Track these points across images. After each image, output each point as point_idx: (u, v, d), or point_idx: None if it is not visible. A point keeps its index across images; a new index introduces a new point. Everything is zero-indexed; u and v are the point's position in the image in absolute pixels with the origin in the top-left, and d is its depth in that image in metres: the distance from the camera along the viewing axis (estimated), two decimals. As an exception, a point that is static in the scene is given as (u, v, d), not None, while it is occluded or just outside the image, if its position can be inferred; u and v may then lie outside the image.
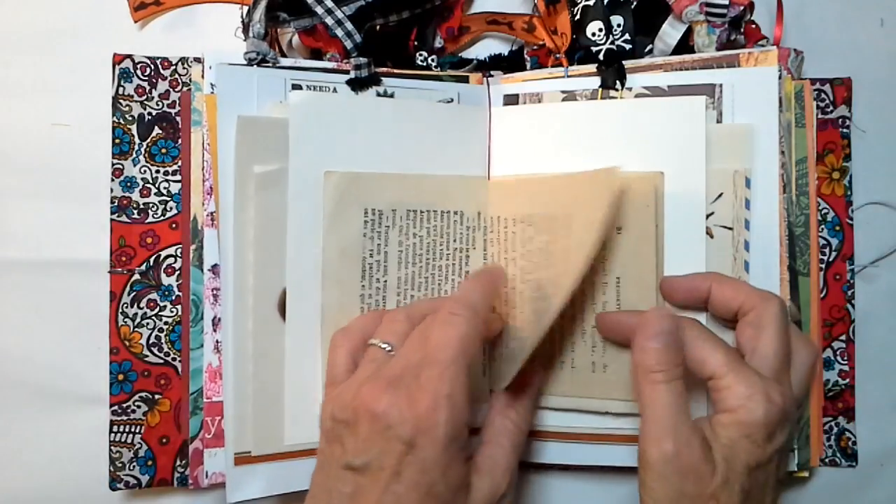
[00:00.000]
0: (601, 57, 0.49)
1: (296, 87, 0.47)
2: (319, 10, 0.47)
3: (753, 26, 0.49)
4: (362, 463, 0.36)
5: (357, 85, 0.48)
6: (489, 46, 0.54)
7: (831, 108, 0.52)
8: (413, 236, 0.48)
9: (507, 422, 0.43)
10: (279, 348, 0.46)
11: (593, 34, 0.49)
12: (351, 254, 0.47)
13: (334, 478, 0.37)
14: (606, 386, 0.47)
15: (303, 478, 0.44)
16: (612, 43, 0.48)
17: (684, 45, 0.49)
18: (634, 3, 0.49)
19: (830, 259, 0.51)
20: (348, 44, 0.47)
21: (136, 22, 0.52)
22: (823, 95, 0.52)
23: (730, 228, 0.46)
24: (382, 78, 0.48)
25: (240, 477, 0.45)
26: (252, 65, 0.46)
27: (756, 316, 0.41)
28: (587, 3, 0.48)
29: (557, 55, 0.50)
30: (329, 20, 0.47)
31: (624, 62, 0.48)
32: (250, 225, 0.45)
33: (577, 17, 0.49)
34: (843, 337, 0.51)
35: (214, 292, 0.46)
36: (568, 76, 0.49)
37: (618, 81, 0.48)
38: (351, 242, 0.47)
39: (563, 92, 0.49)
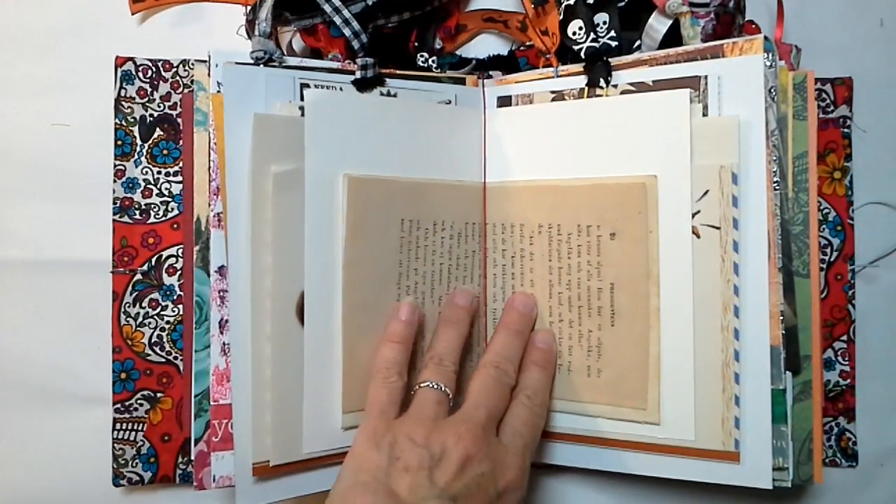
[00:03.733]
0: (583, 55, 0.48)
1: (304, 86, 0.46)
2: (327, 8, 0.47)
3: (753, 26, 0.49)
4: (453, 495, 0.39)
5: (363, 85, 0.48)
6: (490, 45, 0.54)
7: (832, 107, 0.52)
8: (426, 243, 0.48)
9: None
10: (298, 353, 0.44)
11: (574, 33, 0.48)
12: (372, 261, 0.46)
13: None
14: (600, 391, 0.47)
15: (315, 483, 0.45)
16: (596, 41, 0.48)
17: (678, 41, 0.47)
18: (623, 2, 0.49)
19: (831, 259, 0.51)
20: (355, 44, 0.47)
21: (133, 14, 0.52)
22: (824, 95, 0.52)
23: (717, 228, 0.44)
24: (385, 78, 0.48)
25: (255, 488, 0.44)
26: (259, 64, 0.45)
27: None
28: (568, 2, 0.48)
29: (547, 55, 0.50)
30: (337, 19, 0.47)
31: (610, 59, 0.47)
32: (268, 226, 0.44)
33: (562, 16, 0.49)
34: (843, 337, 0.51)
35: (221, 294, 0.45)
36: (558, 76, 0.49)
37: (603, 79, 0.47)
38: (372, 249, 0.46)
39: (553, 92, 0.49)
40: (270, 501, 0.44)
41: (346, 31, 0.47)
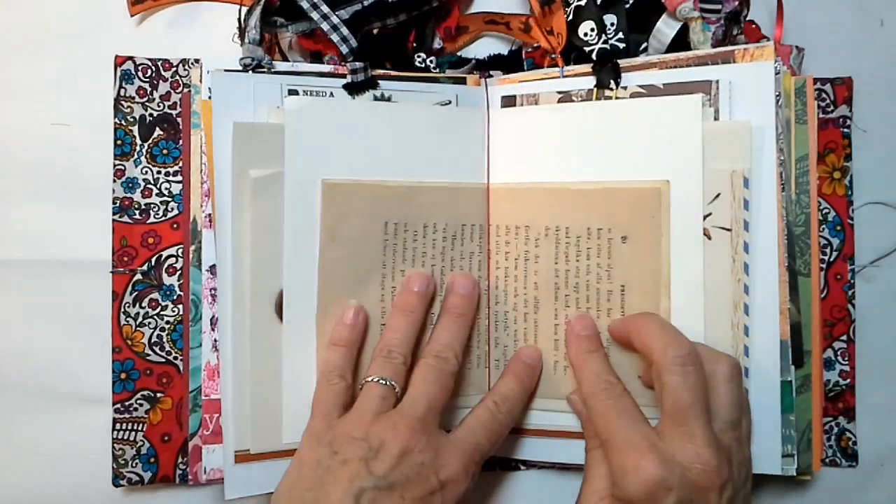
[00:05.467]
0: (594, 56, 0.48)
1: (292, 92, 0.47)
2: (315, 15, 0.47)
3: (754, 26, 0.49)
4: (391, 482, 0.39)
5: (353, 89, 0.48)
6: (490, 46, 0.54)
7: (832, 107, 0.52)
8: (414, 245, 0.48)
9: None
10: (276, 348, 0.46)
11: (585, 34, 0.48)
12: (350, 263, 0.47)
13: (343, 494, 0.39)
14: None
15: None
16: (606, 42, 0.48)
17: (683, 44, 0.48)
18: (630, 3, 0.49)
19: (831, 259, 0.51)
20: (343, 49, 0.47)
21: (132, 16, 0.52)
22: (824, 95, 0.52)
23: (728, 230, 0.45)
24: (380, 81, 0.48)
25: (238, 475, 0.45)
26: (247, 70, 0.46)
27: (657, 373, 0.41)
28: (579, 2, 0.48)
29: (553, 55, 0.50)
30: (325, 25, 0.47)
31: (619, 61, 0.48)
32: (247, 228, 0.45)
33: (570, 17, 0.49)
34: (843, 337, 0.51)
35: (212, 292, 0.46)
36: (564, 76, 0.49)
37: (612, 81, 0.47)
38: (350, 252, 0.47)
39: (559, 93, 0.49)
40: (258, 493, 0.45)
41: (334, 37, 0.47)
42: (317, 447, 0.41)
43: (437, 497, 0.40)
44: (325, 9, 0.47)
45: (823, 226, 0.51)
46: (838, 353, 0.51)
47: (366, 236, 0.47)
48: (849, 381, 0.51)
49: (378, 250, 0.47)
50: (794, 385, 0.45)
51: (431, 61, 0.51)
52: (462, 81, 0.50)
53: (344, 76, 0.48)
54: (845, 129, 0.52)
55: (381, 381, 0.43)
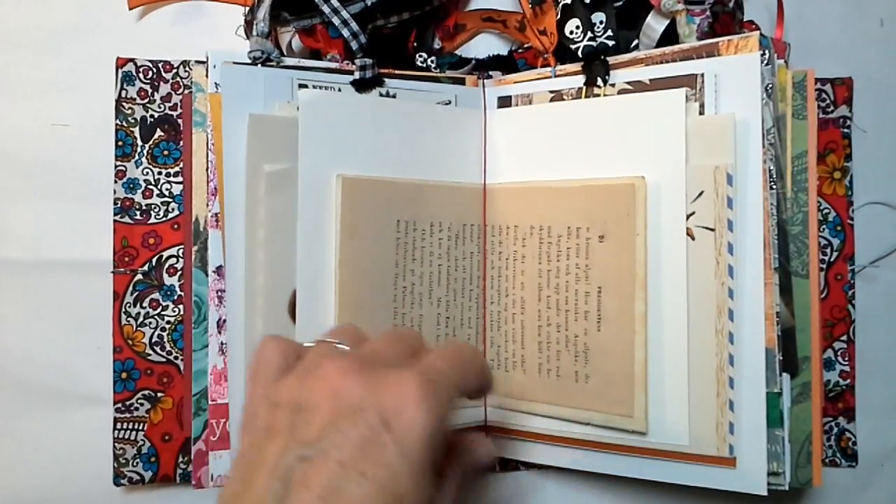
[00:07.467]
0: (580, 54, 0.48)
1: (302, 86, 0.46)
2: (326, 9, 0.47)
3: (753, 26, 0.49)
4: (319, 451, 0.27)
5: (361, 86, 0.48)
6: (489, 45, 0.54)
7: (832, 107, 0.52)
8: (423, 245, 0.48)
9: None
10: None
11: (571, 32, 0.48)
12: (368, 261, 0.46)
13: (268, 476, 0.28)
14: (588, 396, 0.46)
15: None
16: (594, 40, 0.48)
17: (675, 40, 0.47)
18: (620, 1, 0.48)
19: (832, 259, 0.51)
20: (354, 44, 0.47)
21: (131, 9, 0.52)
22: (824, 95, 0.52)
23: (711, 230, 0.43)
24: (384, 79, 0.48)
25: None
26: (256, 64, 0.46)
27: None
28: (565, 1, 0.48)
29: (545, 55, 0.50)
30: (336, 20, 0.47)
31: (607, 58, 0.47)
32: (261, 225, 0.45)
33: (559, 16, 0.49)
34: (843, 337, 0.51)
35: (219, 294, 0.45)
36: (555, 76, 0.49)
37: (600, 78, 0.47)
38: (368, 250, 0.46)
39: (551, 92, 0.49)
40: None
41: (345, 32, 0.47)
42: (251, 427, 0.31)
43: (386, 439, 0.27)
44: (335, 3, 0.47)
45: (824, 226, 0.51)
46: (838, 353, 0.51)
47: (381, 234, 0.47)
48: (849, 381, 0.51)
49: (391, 248, 0.47)
50: (787, 395, 0.44)
51: (432, 61, 0.51)
52: (461, 82, 0.51)
53: (349, 73, 0.48)
54: (845, 130, 0.52)
55: (328, 341, 0.33)
